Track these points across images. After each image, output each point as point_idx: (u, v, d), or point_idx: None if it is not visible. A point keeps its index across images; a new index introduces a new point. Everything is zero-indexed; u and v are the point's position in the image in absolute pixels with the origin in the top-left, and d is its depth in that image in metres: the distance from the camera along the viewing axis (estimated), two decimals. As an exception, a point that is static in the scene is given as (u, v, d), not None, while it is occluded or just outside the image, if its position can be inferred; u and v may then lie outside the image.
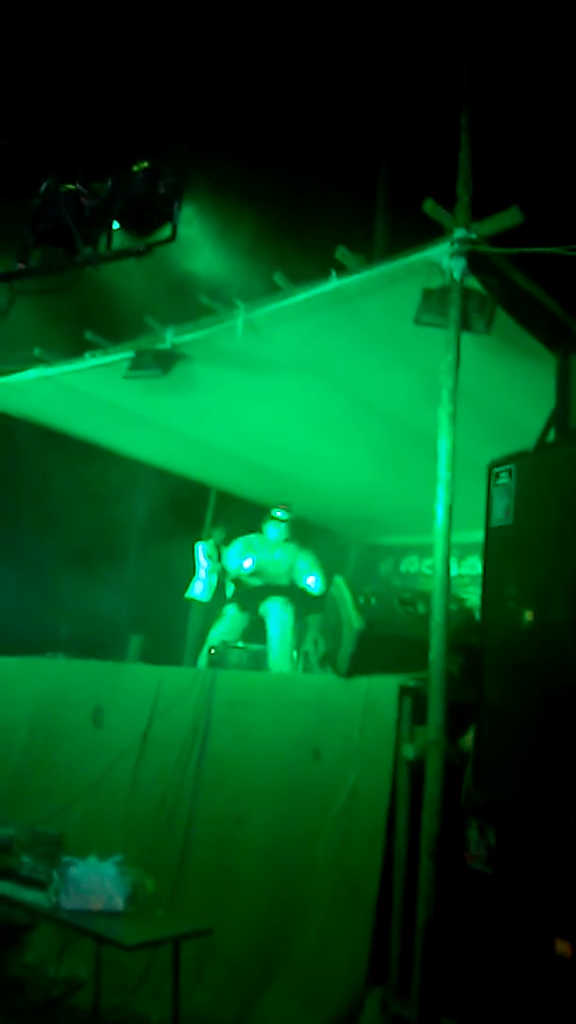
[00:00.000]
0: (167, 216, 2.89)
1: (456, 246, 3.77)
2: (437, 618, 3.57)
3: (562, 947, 2.50)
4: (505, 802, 2.84)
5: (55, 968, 4.19)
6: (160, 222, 2.91)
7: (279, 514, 6.22)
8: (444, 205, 3.88)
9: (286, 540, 6.23)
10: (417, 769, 3.54)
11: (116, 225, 2.96)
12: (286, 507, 6.26)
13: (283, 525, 6.18)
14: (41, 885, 3.47)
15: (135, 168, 2.79)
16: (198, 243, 4.52)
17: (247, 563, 6.12)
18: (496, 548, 3.11)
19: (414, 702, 3.71)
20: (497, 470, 3.15)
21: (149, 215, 2.86)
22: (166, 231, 2.93)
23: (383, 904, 3.53)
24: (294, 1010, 3.55)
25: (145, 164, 2.78)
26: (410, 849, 3.50)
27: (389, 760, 3.68)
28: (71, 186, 2.90)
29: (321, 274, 4.27)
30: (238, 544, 6.32)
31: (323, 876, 3.76)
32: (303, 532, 6.50)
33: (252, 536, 6.33)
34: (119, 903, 3.36)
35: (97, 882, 3.38)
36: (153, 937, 3.25)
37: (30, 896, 3.46)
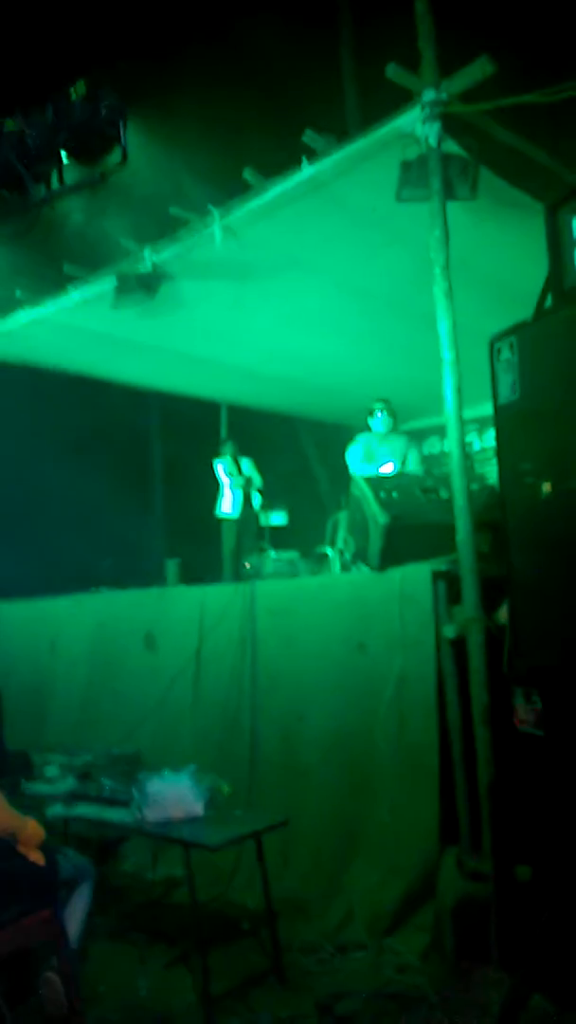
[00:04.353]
0: (114, 138, 2.75)
1: (427, 109, 3.55)
2: (459, 501, 3.59)
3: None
4: (545, 667, 2.93)
5: (152, 872, 4.54)
6: (108, 146, 2.78)
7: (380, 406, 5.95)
8: (414, 68, 3.63)
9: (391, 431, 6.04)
10: (459, 646, 3.65)
11: (64, 157, 2.83)
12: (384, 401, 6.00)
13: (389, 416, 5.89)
14: (123, 803, 3.66)
15: (72, 93, 2.63)
16: (156, 153, 4.32)
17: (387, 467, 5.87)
18: (506, 425, 3.06)
19: (448, 584, 3.78)
20: (498, 345, 3.07)
21: (95, 141, 2.73)
22: (116, 155, 2.80)
23: (446, 774, 3.72)
24: (376, 880, 3.81)
25: (82, 86, 2.62)
26: (463, 721, 3.65)
27: (431, 642, 3.79)
28: (11, 124, 2.76)
29: (292, 163, 4.08)
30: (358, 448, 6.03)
31: (385, 757, 3.94)
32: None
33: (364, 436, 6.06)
34: (198, 809, 3.56)
35: (175, 792, 3.57)
36: (234, 835, 3.46)
37: (115, 815, 3.65)
